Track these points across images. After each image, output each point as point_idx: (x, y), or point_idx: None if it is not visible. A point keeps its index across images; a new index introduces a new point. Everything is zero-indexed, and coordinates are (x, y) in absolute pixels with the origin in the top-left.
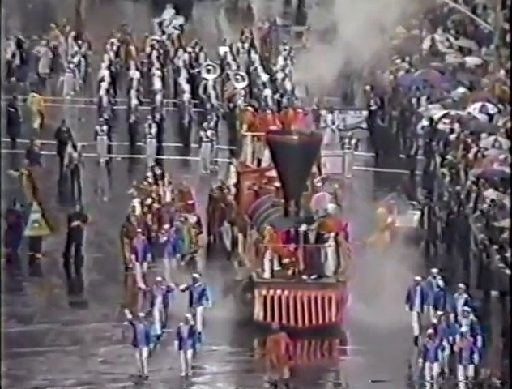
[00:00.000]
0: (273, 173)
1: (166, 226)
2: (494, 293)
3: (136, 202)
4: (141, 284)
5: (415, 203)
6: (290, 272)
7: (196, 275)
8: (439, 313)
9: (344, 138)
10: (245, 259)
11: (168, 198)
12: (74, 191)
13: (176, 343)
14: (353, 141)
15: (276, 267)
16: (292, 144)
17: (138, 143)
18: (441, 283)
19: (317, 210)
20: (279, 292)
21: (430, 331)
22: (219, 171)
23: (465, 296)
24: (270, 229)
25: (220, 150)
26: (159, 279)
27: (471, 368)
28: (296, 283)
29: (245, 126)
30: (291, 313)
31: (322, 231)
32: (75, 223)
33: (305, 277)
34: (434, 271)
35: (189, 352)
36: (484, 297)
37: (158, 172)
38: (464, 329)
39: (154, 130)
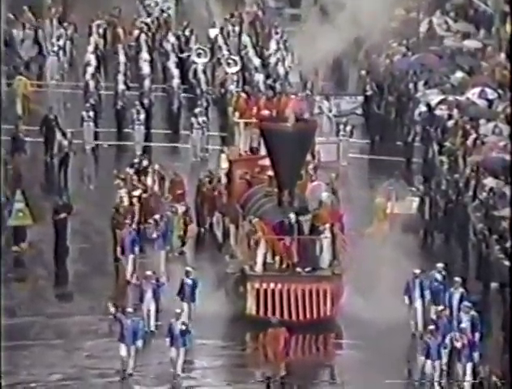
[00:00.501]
0: (266, 162)
1: (157, 216)
2: (494, 285)
3: (123, 192)
4: (131, 279)
5: (413, 188)
6: (284, 265)
7: (189, 269)
8: (440, 308)
9: (339, 124)
10: (236, 251)
11: (155, 187)
12: (61, 181)
13: (167, 340)
14: (348, 127)
15: (269, 260)
16: (286, 132)
17: (126, 130)
18: (439, 277)
19: (312, 200)
20: (272, 285)
21: (431, 327)
22: (210, 159)
23: (461, 290)
24: (260, 222)
25: (211, 137)
26: (149, 273)
27: (470, 366)
28: (290, 276)
29: (237, 113)
30: (284, 307)
31: (316, 222)
32: (62, 215)
33: (299, 270)
34: (440, 265)
35: (182, 350)
36: (483, 289)
37: (145, 163)
38: (464, 325)
39: (142, 116)
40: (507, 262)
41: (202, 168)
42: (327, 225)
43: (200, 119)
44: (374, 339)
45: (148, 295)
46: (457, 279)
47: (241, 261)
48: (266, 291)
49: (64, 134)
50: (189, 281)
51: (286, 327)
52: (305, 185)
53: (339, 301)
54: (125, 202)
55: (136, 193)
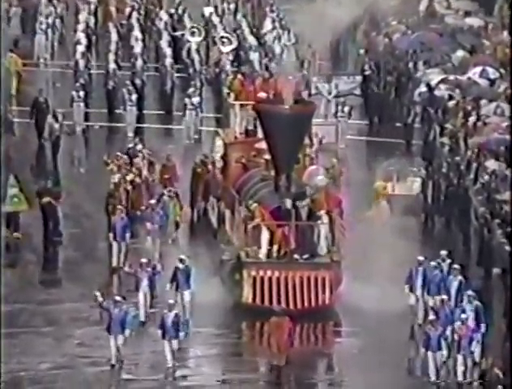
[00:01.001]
0: (263, 145)
1: (152, 201)
2: (496, 271)
3: (117, 177)
4: (123, 266)
5: (415, 169)
6: (281, 252)
7: (183, 257)
8: (443, 297)
9: (337, 105)
10: (232, 237)
11: (145, 171)
12: (50, 164)
13: (159, 332)
14: (346, 108)
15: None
16: (283, 114)
17: (117, 111)
18: (444, 265)
19: (309, 185)
20: (269, 272)
21: (432, 317)
22: (205, 141)
23: (459, 278)
24: (260, 207)
25: (205, 118)
26: (144, 260)
27: (470, 358)
28: (288, 263)
29: (232, 95)
30: (281, 295)
31: (314, 207)
32: (46, 199)
33: (296, 257)
34: (443, 253)
35: (175, 342)
36: (484, 275)
37: (139, 147)
38: (466, 315)
39: (134, 96)
40: (509, 248)
41: (195, 150)
42: (325, 210)
43: (194, 100)
44: (374, 328)
45: (144, 283)
46: (456, 266)
47: (236, 247)
48: (262, 279)
49: (55, 117)
50: (182, 269)
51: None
52: (303, 170)
53: (337, 288)
54: (119, 187)
55: (129, 178)
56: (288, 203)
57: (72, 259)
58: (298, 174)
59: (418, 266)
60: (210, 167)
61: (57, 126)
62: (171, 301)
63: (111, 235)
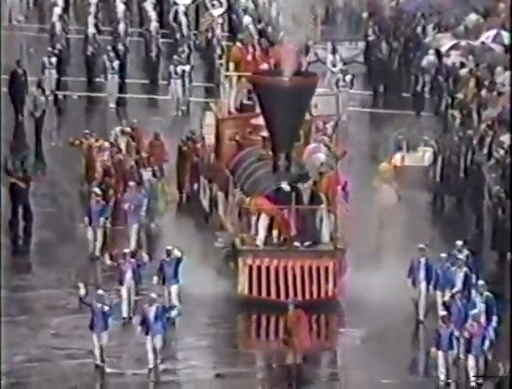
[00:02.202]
0: (259, 121)
1: (132, 183)
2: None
3: (84, 159)
4: (106, 259)
5: (426, 137)
6: (281, 239)
7: (169, 248)
8: (455, 289)
9: (338, 73)
10: (226, 223)
11: (124, 150)
12: (30, 141)
13: (139, 328)
14: (348, 77)
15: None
16: (282, 87)
17: (97, 80)
18: (461, 256)
19: (310, 165)
20: (266, 261)
21: (443, 313)
22: (194, 113)
23: (464, 269)
24: (256, 201)
25: (195, 88)
26: (127, 250)
27: (483, 358)
28: (287, 251)
29: (232, 65)
30: (281, 286)
31: (317, 190)
32: (13, 180)
33: (297, 244)
34: (459, 243)
35: (158, 339)
36: (499, 260)
37: (127, 130)
38: (477, 311)
39: (115, 64)
40: None
41: (184, 123)
42: (329, 194)
43: (181, 68)
44: (380, 323)
45: (128, 276)
46: (460, 256)
47: (231, 234)
48: (259, 268)
49: (42, 89)
50: (170, 261)
51: (282, 309)
52: (304, 148)
53: (342, 279)
54: (92, 168)
55: (104, 157)
56: (288, 186)
57: (47, 241)
58: (298, 153)
59: (420, 256)
60: (198, 145)
61: (42, 99)
62: (153, 295)
63: (86, 220)
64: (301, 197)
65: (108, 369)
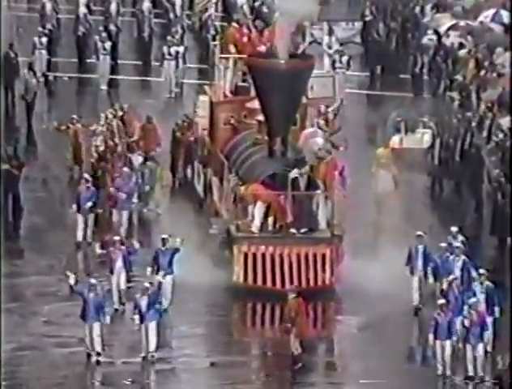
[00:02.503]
0: (255, 105)
1: (125, 169)
2: (511, 241)
3: (71, 145)
4: (96, 248)
5: (426, 119)
6: (277, 226)
7: (165, 236)
8: (452, 277)
9: (334, 54)
10: (221, 209)
11: (116, 133)
12: (21, 125)
13: (136, 318)
14: (345, 58)
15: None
16: (278, 69)
17: (89, 61)
18: (457, 244)
19: (306, 150)
20: (262, 248)
21: (442, 301)
22: (187, 96)
23: (463, 257)
24: (253, 189)
25: (188, 70)
26: (117, 238)
27: (481, 347)
28: (283, 238)
29: (232, 47)
30: (277, 273)
31: (314, 176)
32: (5, 166)
33: (293, 231)
34: (454, 229)
35: (152, 327)
36: (498, 245)
37: (118, 113)
38: (475, 299)
39: (107, 44)
40: None
41: (177, 106)
42: (326, 179)
43: (174, 49)
44: (378, 312)
45: (118, 264)
46: (457, 244)
47: (226, 220)
48: (255, 255)
49: (33, 71)
50: (165, 251)
51: (278, 297)
52: (300, 132)
53: (339, 267)
54: (91, 153)
55: (98, 142)
56: (285, 171)
57: (38, 226)
58: (295, 137)
59: (418, 243)
60: (192, 130)
61: (34, 81)
62: (146, 285)
63: (74, 206)
64: (298, 183)
65: (100, 358)
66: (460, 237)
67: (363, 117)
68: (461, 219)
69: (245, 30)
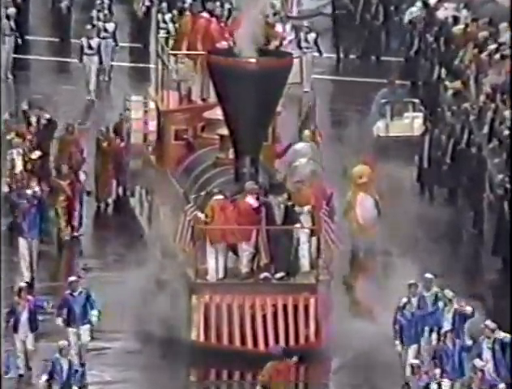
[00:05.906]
0: (216, 114)
1: (29, 191)
2: None
3: (15, 153)
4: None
5: (416, 100)
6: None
7: (73, 279)
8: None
9: (299, 30)
10: (175, 248)
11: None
12: None
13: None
14: (312, 35)
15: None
16: (247, 70)
17: None
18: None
19: (285, 170)
20: (228, 298)
21: (438, 370)
22: (116, 84)
23: (455, 307)
24: (219, 202)
25: (119, 51)
26: (23, 284)
27: None
28: (256, 284)
29: (185, 42)
30: (247, 330)
31: (294, 204)
32: None
33: (267, 275)
34: (428, 276)
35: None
36: (502, 268)
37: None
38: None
39: (12, 18)
40: None
41: (99, 110)
42: (308, 209)
43: (101, 24)
44: (375, 374)
45: (23, 318)
46: (446, 291)
47: (181, 262)
48: (219, 307)
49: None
50: (77, 295)
51: (249, 360)
52: (274, 149)
53: (326, 320)
54: (18, 166)
55: (34, 156)
56: (255, 199)
57: None
58: (267, 156)
59: (411, 296)
60: (124, 141)
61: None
62: (61, 343)
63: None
64: (273, 214)
65: None
66: (434, 288)
67: (332, 110)
68: (456, 236)
69: (202, 20)
